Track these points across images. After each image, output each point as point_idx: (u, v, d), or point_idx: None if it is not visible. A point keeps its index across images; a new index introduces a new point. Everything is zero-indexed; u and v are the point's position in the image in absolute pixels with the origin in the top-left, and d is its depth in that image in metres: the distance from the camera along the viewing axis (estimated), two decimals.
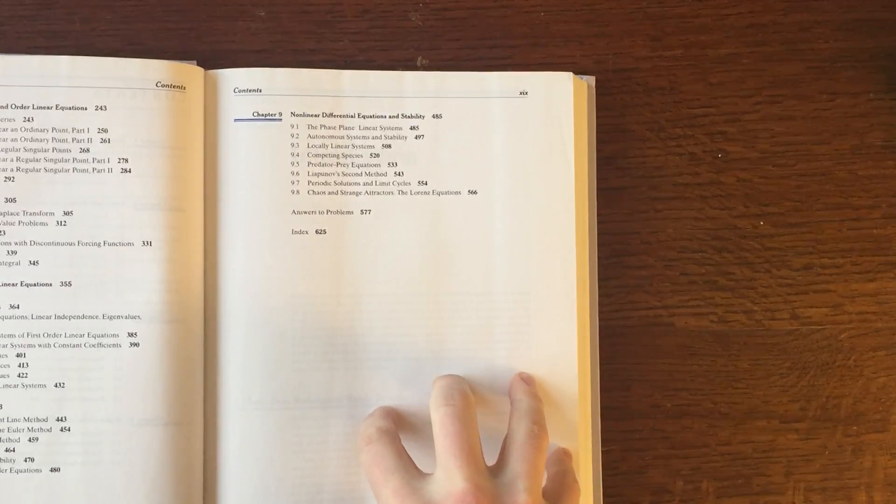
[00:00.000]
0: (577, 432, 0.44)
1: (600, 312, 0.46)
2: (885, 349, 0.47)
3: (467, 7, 0.47)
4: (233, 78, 0.44)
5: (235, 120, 0.44)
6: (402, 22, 0.47)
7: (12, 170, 0.42)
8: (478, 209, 0.45)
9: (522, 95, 0.45)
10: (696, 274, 0.47)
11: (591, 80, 0.47)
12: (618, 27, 0.48)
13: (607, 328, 0.46)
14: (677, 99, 0.47)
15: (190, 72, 0.44)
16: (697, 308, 0.47)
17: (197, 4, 0.46)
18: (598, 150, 0.46)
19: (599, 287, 0.46)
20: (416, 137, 0.45)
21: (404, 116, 0.45)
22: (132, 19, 0.46)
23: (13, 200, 0.42)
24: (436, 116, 0.45)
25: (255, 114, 0.44)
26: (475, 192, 0.45)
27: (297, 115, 0.44)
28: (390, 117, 0.45)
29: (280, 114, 0.44)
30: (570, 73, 0.45)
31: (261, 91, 0.44)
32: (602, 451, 0.45)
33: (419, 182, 0.45)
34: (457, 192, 0.45)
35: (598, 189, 0.46)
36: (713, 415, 0.46)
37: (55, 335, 0.42)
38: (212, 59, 0.45)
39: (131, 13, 0.46)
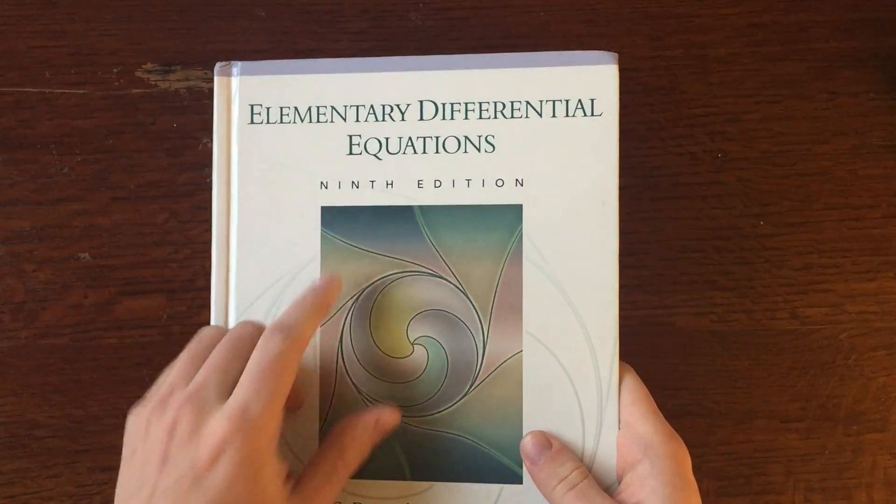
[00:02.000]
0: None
1: None
2: (885, 349, 0.47)
3: (467, 7, 0.47)
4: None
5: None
6: (402, 22, 0.47)
7: None
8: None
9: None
10: (696, 274, 0.47)
11: None
12: (618, 27, 0.48)
13: None
14: (677, 99, 0.48)
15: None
16: (697, 308, 0.47)
17: (197, 4, 0.46)
18: None
19: None
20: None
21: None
22: (132, 19, 0.46)
23: None
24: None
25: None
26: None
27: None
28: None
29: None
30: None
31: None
32: None
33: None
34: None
35: None
36: (713, 414, 0.46)
37: None
38: (212, 60, 0.45)
39: (131, 13, 0.46)
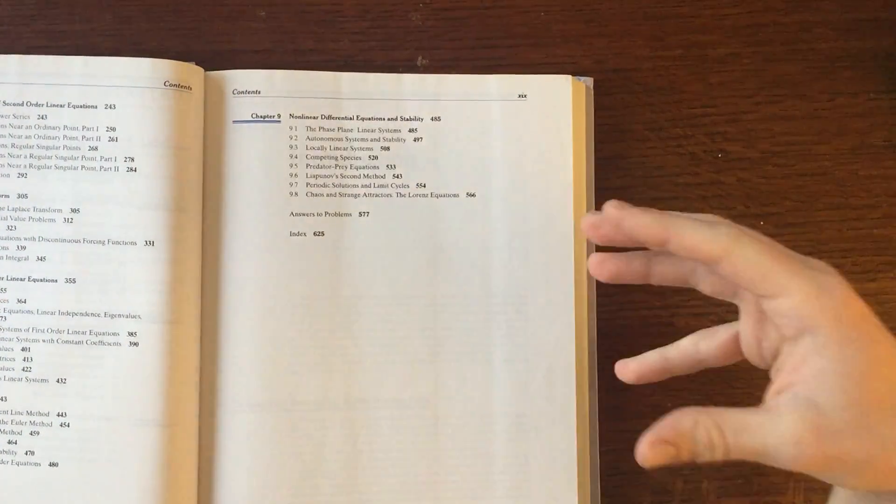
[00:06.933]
0: (576, 434, 0.44)
1: (600, 312, 0.46)
2: None
3: (467, 7, 0.47)
4: (231, 79, 0.44)
5: (234, 122, 0.44)
6: (402, 22, 0.47)
7: (26, 166, 0.43)
8: (476, 212, 0.45)
9: (521, 98, 0.45)
10: None
11: (589, 81, 0.47)
12: (618, 27, 0.48)
13: (607, 328, 0.46)
14: (677, 99, 0.47)
15: (193, 72, 0.44)
16: (697, 308, 0.47)
17: (197, 4, 0.46)
18: (598, 150, 0.46)
19: (599, 287, 0.46)
20: (414, 140, 0.45)
21: (403, 119, 0.45)
22: (132, 19, 0.46)
23: (25, 196, 0.42)
24: (434, 119, 0.45)
25: (254, 115, 0.44)
26: (473, 195, 0.45)
27: (296, 117, 0.44)
28: (389, 119, 0.45)
29: (279, 116, 0.44)
30: (569, 76, 0.46)
31: (259, 93, 0.44)
32: (602, 451, 0.45)
33: (417, 184, 0.45)
34: (455, 195, 0.45)
35: (598, 189, 0.46)
36: None
37: (59, 331, 0.42)
38: (212, 60, 0.45)
39: (131, 13, 0.46)
